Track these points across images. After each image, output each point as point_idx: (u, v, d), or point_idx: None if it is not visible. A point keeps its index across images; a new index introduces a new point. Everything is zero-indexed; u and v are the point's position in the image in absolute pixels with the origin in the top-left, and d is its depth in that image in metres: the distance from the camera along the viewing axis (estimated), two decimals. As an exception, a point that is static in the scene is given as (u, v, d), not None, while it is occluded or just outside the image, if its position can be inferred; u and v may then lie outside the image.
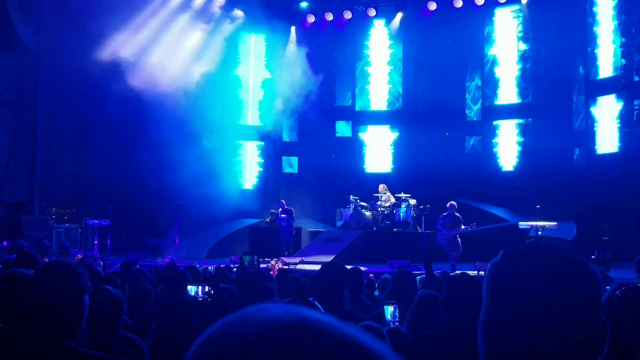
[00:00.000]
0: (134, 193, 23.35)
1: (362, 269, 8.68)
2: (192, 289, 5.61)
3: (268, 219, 22.94)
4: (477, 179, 25.06)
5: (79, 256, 15.32)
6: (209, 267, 11.97)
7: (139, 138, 22.94)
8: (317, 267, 5.55)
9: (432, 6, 25.72)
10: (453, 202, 19.17)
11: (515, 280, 1.49)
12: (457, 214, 18.94)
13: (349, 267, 6.01)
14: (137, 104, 22.66)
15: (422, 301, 5.01)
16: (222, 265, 11.63)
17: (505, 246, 1.58)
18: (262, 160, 27.06)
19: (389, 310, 5.06)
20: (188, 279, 6.68)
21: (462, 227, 18.79)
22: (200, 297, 5.43)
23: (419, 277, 7.97)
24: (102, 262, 13.17)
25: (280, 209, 22.14)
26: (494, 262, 1.57)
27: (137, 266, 11.90)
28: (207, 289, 5.48)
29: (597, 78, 22.84)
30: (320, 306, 4.79)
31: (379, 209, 22.68)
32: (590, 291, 1.49)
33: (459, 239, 18.81)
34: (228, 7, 26.06)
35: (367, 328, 3.83)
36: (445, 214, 18.94)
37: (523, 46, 25.10)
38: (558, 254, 1.52)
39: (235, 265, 15.37)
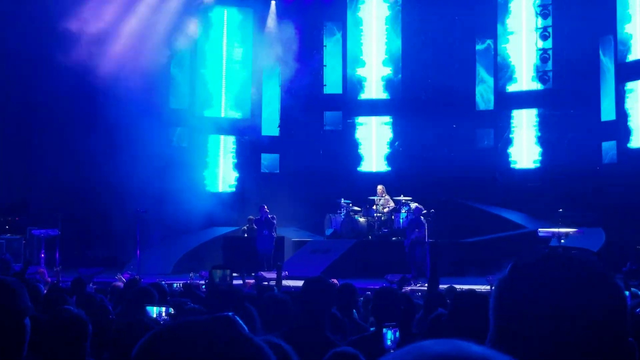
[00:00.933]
0: (87, 198, 23.27)
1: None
2: (154, 310, 5.59)
3: (245, 227, 22.93)
4: (489, 179, 25.14)
5: (41, 270, 15.22)
6: (175, 284, 11.96)
7: (92, 133, 22.87)
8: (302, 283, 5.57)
9: (436, -23, 25.83)
10: (419, 205, 19.55)
11: (525, 298, 1.50)
12: (423, 219, 19.28)
13: (337, 282, 6.03)
14: (90, 92, 22.62)
15: (431, 322, 5.03)
16: (189, 282, 11.63)
17: (515, 258, 1.60)
18: (237, 160, 27.01)
19: (389, 334, 5.08)
20: (153, 298, 6.67)
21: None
22: (162, 320, 5.42)
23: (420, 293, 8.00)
24: (49, 280, 13.13)
25: (260, 216, 22.10)
26: (502, 277, 1.58)
27: (91, 284, 11.87)
28: (170, 310, 5.46)
29: (630, 60, 22.94)
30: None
31: (375, 214, 22.70)
32: (614, 311, 1.50)
33: (424, 249, 19.09)
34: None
35: (342, 355, 3.88)
36: (411, 217, 19.38)
37: (542, 22, 25.20)
38: (576, 268, 1.53)
39: (205, 280, 15.38)
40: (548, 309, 1.48)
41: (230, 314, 1.41)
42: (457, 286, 13.95)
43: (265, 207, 22.11)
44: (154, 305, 6.16)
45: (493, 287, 1.61)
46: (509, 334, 1.51)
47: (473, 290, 4.92)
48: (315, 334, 4.84)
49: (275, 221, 21.99)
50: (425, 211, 20.20)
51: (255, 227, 22.06)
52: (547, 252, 1.56)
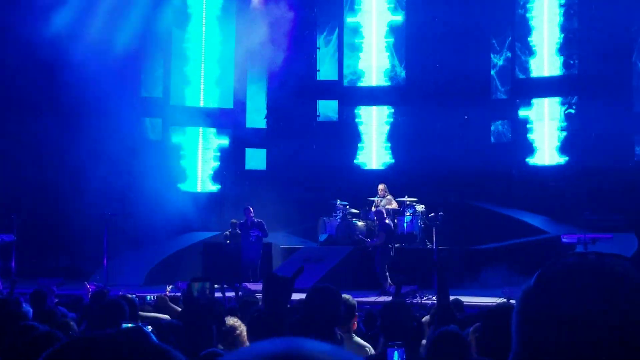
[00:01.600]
0: (47, 199, 23.24)
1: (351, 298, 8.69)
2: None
3: (227, 232, 22.92)
4: (505, 177, 25.18)
5: None
6: (148, 297, 11.97)
7: (52, 123, 22.85)
8: (295, 295, 5.58)
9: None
10: (380, 208, 20.07)
11: (555, 311, 1.51)
12: (386, 221, 19.84)
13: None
14: (50, 76, 22.59)
15: (441, 342, 5.04)
16: (164, 294, 11.61)
17: (542, 266, 1.60)
18: (219, 154, 27.03)
19: (395, 356, 5.08)
20: (124, 313, 6.68)
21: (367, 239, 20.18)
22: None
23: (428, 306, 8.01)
24: (3, 291, 13.11)
25: (245, 219, 22.11)
26: (527, 288, 1.58)
27: (54, 297, 11.86)
28: (148, 327, 5.46)
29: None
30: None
31: (376, 217, 22.72)
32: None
33: (381, 252, 19.58)
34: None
35: None
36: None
37: (567, 0, 25.25)
38: (611, 277, 1.54)
39: (181, 290, 15.36)
40: (580, 323, 1.48)
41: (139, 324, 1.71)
42: (466, 299, 14.00)
43: (251, 208, 22.13)
44: (124, 321, 6.16)
45: (517, 299, 1.61)
46: (535, 351, 1.52)
47: (507, 304, 4.92)
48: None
49: (264, 225, 22.00)
50: (435, 214, 20.25)
51: (240, 231, 22.06)
52: (578, 259, 1.57)
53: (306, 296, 5.24)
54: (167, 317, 8.99)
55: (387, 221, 20.28)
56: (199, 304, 5.67)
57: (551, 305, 1.52)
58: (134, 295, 9.63)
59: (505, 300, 13.60)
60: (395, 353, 5.15)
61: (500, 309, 4.89)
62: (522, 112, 25.90)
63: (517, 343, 1.57)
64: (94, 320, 7.31)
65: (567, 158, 25.06)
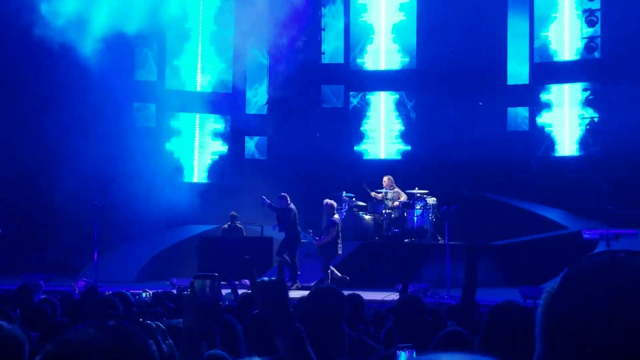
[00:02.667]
0: (33, 189, 23.26)
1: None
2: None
3: (226, 226, 22.90)
4: (522, 169, 25.15)
5: None
6: (143, 294, 12.00)
7: (40, 106, 22.87)
8: (297, 293, 5.60)
9: None
10: (329, 201, 20.28)
11: (582, 314, 1.52)
12: (335, 217, 20.12)
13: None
14: (37, 51, 22.63)
15: (449, 341, 5.06)
16: (160, 291, 11.65)
17: (565, 265, 1.61)
18: (217, 142, 27.02)
19: (402, 358, 5.10)
20: (118, 311, 6.70)
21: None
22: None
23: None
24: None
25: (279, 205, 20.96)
26: (552, 289, 1.59)
27: (41, 294, 11.89)
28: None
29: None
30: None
31: (384, 210, 22.70)
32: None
33: (328, 249, 19.78)
34: None
35: None
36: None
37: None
38: (641, 276, 1.55)
39: (174, 288, 15.38)
40: (611, 326, 1.49)
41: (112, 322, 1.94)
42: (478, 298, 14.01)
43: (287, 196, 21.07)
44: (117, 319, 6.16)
45: (541, 300, 1.62)
46: (562, 355, 1.53)
47: (512, 302, 4.92)
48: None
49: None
50: (447, 207, 20.22)
51: (241, 226, 22.04)
52: (606, 257, 1.57)
53: (307, 297, 5.25)
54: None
55: (335, 217, 20.32)
56: (199, 303, 5.68)
57: (579, 307, 1.53)
58: (127, 292, 9.66)
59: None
60: (403, 355, 5.17)
61: (503, 308, 4.88)
62: (541, 99, 25.85)
63: (542, 346, 1.58)
64: (85, 318, 7.32)
65: (589, 148, 25.02)
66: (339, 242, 19.99)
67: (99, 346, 1.87)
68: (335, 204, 20.57)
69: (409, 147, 26.81)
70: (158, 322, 5.78)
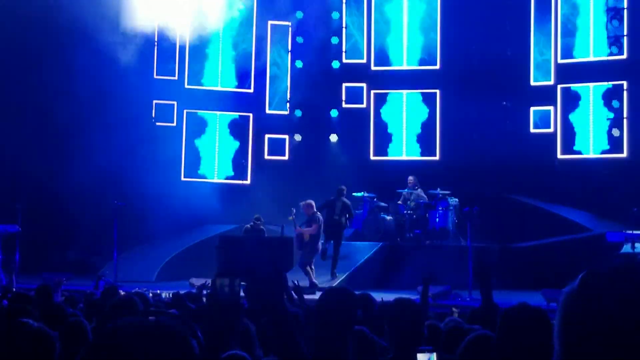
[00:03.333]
0: (54, 187, 23.33)
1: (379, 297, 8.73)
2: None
3: (249, 226, 22.85)
4: (546, 170, 25.05)
5: None
6: (163, 294, 12.05)
7: (60, 106, 22.95)
8: (315, 295, 5.62)
9: None
10: (308, 201, 20.32)
11: (601, 317, 1.53)
12: (317, 214, 20.17)
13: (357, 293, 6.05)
14: (62, 57, 22.72)
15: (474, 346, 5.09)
16: (182, 292, 11.70)
17: (586, 267, 1.63)
18: (236, 144, 27.02)
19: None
20: (137, 310, 6.73)
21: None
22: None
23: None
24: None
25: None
26: (570, 290, 1.61)
27: (60, 293, 11.96)
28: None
29: None
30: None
31: (406, 211, 22.69)
32: None
33: (310, 245, 20.04)
34: None
35: None
36: None
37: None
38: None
39: (194, 288, 15.43)
40: (628, 327, 1.50)
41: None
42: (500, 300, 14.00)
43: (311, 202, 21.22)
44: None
45: (560, 302, 1.64)
46: (580, 357, 1.54)
47: (525, 304, 4.92)
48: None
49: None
50: (470, 208, 20.20)
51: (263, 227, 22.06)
52: (626, 260, 1.60)
53: (319, 299, 5.27)
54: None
55: (318, 214, 20.25)
56: (220, 303, 5.72)
57: (597, 310, 1.54)
58: (147, 292, 9.71)
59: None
60: (423, 357, 5.20)
61: (516, 311, 4.88)
62: (565, 99, 25.76)
63: (561, 348, 1.59)
64: (105, 318, 7.36)
65: (613, 149, 24.92)
66: (320, 239, 20.12)
67: (146, 340, 1.96)
68: (312, 202, 20.41)
69: (430, 148, 26.73)
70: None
